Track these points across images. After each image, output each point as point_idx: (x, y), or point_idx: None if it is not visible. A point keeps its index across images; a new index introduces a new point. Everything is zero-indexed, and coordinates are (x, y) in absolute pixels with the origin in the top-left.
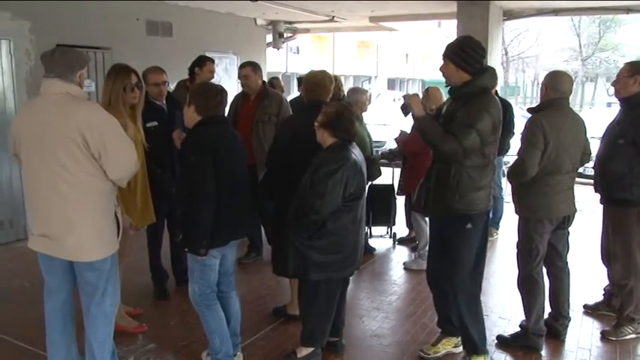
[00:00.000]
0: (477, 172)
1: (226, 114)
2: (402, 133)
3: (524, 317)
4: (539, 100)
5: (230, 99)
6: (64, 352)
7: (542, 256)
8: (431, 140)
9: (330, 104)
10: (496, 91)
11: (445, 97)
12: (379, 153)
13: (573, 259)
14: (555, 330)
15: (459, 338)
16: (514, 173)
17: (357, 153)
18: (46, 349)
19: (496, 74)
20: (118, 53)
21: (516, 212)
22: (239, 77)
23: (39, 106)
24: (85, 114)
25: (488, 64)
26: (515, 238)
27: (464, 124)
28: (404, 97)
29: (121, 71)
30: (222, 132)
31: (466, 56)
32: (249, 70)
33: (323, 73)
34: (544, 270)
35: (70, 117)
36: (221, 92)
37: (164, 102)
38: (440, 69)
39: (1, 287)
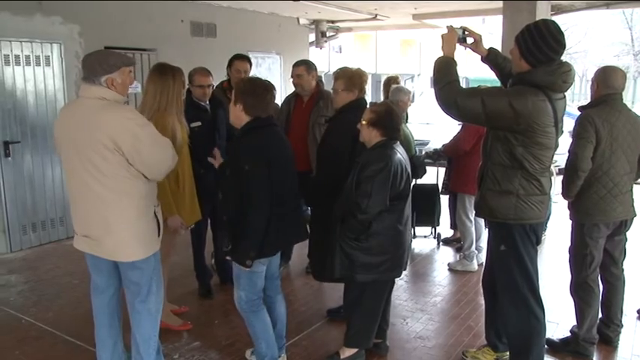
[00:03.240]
0: (500, 172)
1: (279, 117)
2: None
3: (574, 322)
4: (588, 97)
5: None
6: (111, 348)
7: (598, 263)
8: (436, 77)
9: (376, 103)
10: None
11: None
12: (423, 152)
13: (629, 265)
14: (607, 336)
15: (503, 353)
16: (567, 170)
17: (401, 152)
18: (95, 344)
19: (559, 72)
20: (163, 54)
21: (570, 217)
22: (292, 76)
23: (75, 108)
24: (116, 120)
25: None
26: (565, 239)
27: (479, 88)
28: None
29: (178, 72)
30: (274, 136)
31: (531, 43)
32: (302, 69)
33: (359, 68)
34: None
35: (102, 123)
36: (270, 90)
37: (207, 102)
38: (509, 51)
39: (52, 284)
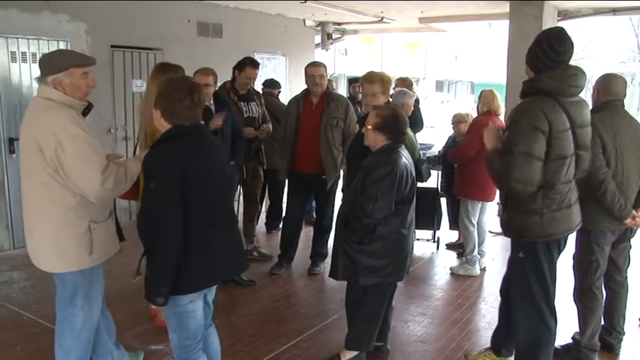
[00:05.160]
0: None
1: (286, 118)
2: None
3: (576, 328)
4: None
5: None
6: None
7: (603, 270)
8: (494, 175)
9: (381, 107)
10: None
11: (501, 100)
12: (426, 156)
13: (633, 272)
14: (609, 344)
15: (505, 359)
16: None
17: (406, 156)
18: None
19: (565, 76)
20: (169, 54)
21: None
22: (308, 76)
23: (29, 107)
24: (45, 123)
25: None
26: (569, 246)
27: (507, 148)
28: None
29: (180, 71)
30: (196, 147)
31: (534, 49)
32: (323, 69)
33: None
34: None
35: (33, 123)
36: (193, 92)
37: (211, 102)
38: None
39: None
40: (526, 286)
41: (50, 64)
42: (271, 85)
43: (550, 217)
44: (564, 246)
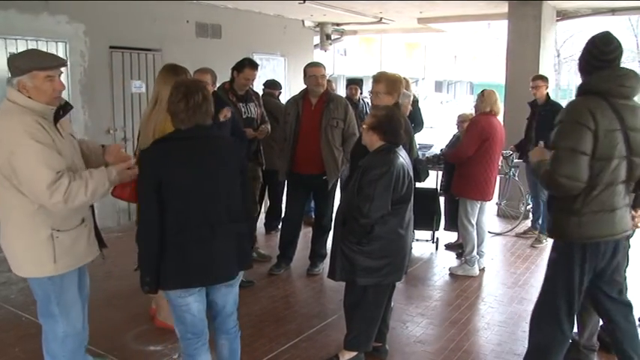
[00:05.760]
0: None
1: (285, 119)
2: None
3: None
4: None
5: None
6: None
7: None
8: (540, 179)
9: (378, 107)
10: None
11: (501, 100)
12: (425, 156)
13: (631, 271)
14: (607, 344)
15: None
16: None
17: (404, 156)
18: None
19: (613, 77)
20: (168, 55)
21: None
22: (308, 76)
23: None
24: (3, 128)
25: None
26: None
27: (554, 145)
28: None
29: (188, 73)
30: (177, 151)
31: (582, 53)
32: (324, 69)
33: (398, 74)
34: None
35: None
36: (185, 95)
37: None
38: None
39: None
40: (552, 285)
41: (14, 66)
42: (272, 85)
43: (589, 219)
44: (605, 260)
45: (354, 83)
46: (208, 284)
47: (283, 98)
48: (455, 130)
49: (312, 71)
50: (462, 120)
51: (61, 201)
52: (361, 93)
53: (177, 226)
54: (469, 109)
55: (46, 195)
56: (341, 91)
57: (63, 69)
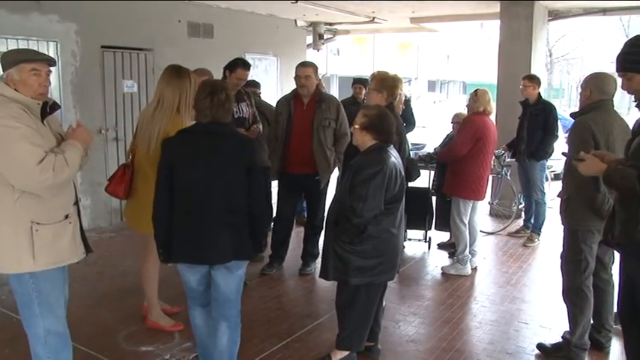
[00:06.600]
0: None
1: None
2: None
3: (566, 327)
4: (578, 103)
5: (267, 100)
6: None
7: (592, 269)
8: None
9: (369, 106)
10: None
11: (494, 99)
12: (417, 156)
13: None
14: (598, 342)
15: None
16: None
17: (395, 155)
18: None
19: None
20: (160, 54)
21: (563, 223)
22: (296, 77)
23: None
24: None
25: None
26: (557, 244)
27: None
28: None
29: (191, 75)
30: (190, 144)
31: (633, 52)
32: (311, 70)
33: (395, 74)
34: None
35: None
36: (210, 94)
37: None
38: (622, 88)
39: None
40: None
41: (4, 61)
42: (254, 85)
43: None
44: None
45: (359, 82)
46: (196, 263)
47: (274, 98)
48: (448, 130)
49: (297, 71)
50: (457, 120)
51: (51, 176)
52: (366, 92)
53: (180, 210)
54: (462, 109)
55: (35, 172)
56: (333, 90)
57: (53, 69)
